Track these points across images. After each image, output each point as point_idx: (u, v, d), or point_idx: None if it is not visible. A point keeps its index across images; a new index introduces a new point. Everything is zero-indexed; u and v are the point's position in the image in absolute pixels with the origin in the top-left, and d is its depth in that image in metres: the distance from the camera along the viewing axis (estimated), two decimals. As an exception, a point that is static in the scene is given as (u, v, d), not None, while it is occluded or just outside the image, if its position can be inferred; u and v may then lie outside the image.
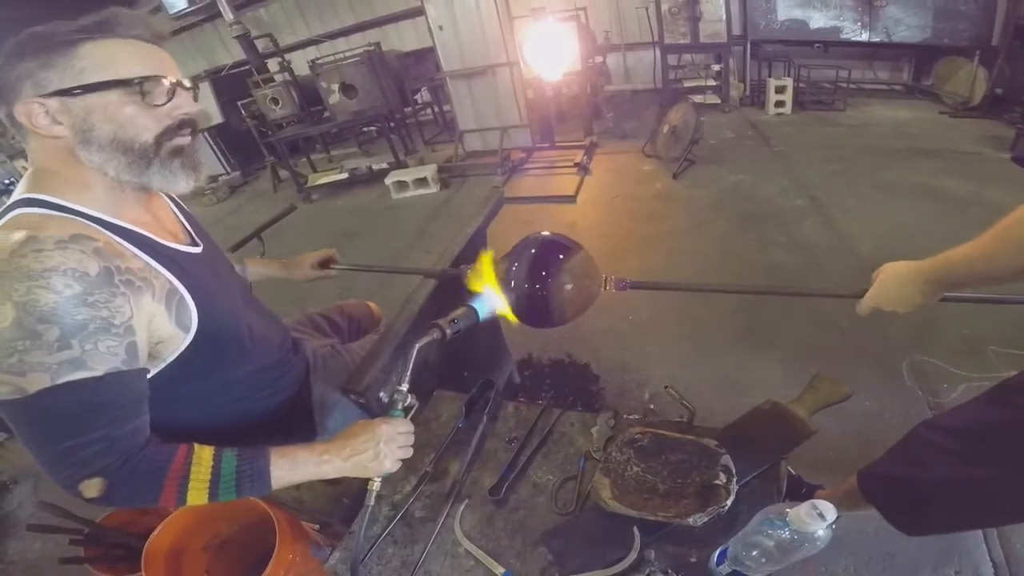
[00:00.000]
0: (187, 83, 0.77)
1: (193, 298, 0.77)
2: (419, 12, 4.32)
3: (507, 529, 0.89)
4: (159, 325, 0.74)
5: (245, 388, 0.95)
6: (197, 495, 0.70)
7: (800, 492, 1.41)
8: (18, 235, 0.62)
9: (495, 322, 1.74)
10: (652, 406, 1.90)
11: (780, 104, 4.67)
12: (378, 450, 0.78)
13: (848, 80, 4.63)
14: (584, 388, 2.11)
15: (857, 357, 1.94)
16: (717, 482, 0.82)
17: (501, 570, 0.82)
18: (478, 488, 0.96)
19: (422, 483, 0.99)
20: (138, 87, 0.70)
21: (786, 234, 2.85)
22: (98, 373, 0.63)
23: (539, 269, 0.95)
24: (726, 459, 0.85)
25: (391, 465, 0.80)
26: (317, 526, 1.22)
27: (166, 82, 0.72)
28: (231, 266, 1.09)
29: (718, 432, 0.94)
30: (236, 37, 5.91)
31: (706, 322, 2.32)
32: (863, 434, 1.65)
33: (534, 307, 0.95)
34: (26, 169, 0.75)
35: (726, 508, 0.78)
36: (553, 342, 2.39)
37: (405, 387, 0.81)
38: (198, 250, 0.88)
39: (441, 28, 4.27)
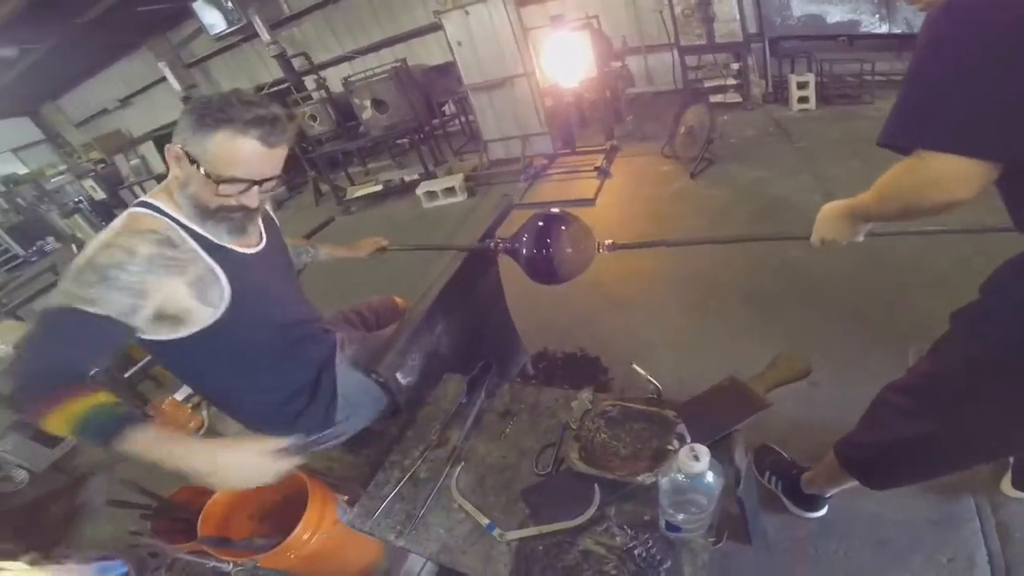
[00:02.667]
0: (264, 183, 1.00)
1: (231, 283, 1.03)
2: (440, 27, 4.54)
3: (495, 488, 1.04)
4: (180, 297, 0.97)
5: (276, 353, 1.16)
6: (63, 420, 0.80)
7: (791, 474, 1.47)
8: (122, 220, 0.96)
9: (504, 312, 1.93)
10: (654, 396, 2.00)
11: (803, 100, 4.60)
12: (223, 473, 0.82)
13: (873, 72, 4.50)
14: (594, 378, 2.23)
15: (866, 344, 1.96)
16: (670, 447, 0.94)
17: (486, 521, 0.95)
18: (474, 453, 1.12)
19: (428, 450, 1.15)
20: (216, 182, 0.94)
21: (802, 230, 2.85)
22: (100, 312, 0.86)
23: (544, 235, 1.35)
24: (681, 428, 0.97)
25: (222, 486, 0.85)
26: (345, 497, 1.41)
27: (242, 185, 0.96)
28: (287, 260, 1.32)
29: (680, 405, 1.06)
30: (274, 56, 6.31)
31: (710, 318, 2.40)
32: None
33: (542, 265, 1.34)
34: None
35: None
36: (568, 337, 2.52)
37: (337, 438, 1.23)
38: (255, 249, 1.13)
39: (460, 44, 4.49)
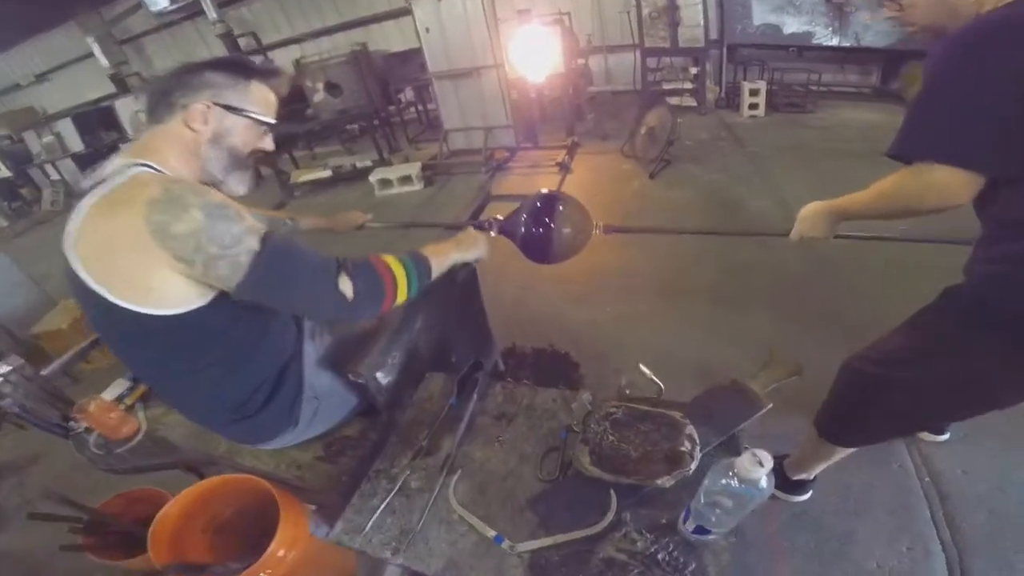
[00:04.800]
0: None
1: None
2: (403, 12, 4.40)
3: (497, 497, 0.97)
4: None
5: (239, 342, 1.01)
6: (402, 287, 1.02)
7: (774, 461, 1.53)
8: (160, 179, 0.86)
9: (481, 309, 1.87)
10: (628, 391, 2.00)
11: (754, 107, 4.84)
12: (477, 241, 1.29)
13: (819, 83, 4.81)
14: (565, 374, 2.21)
15: (817, 343, 2.07)
16: (683, 449, 0.92)
17: (492, 533, 0.89)
18: (470, 460, 1.05)
19: (417, 457, 1.07)
20: (266, 128, 1.02)
21: (768, 229, 2.98)
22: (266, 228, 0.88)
23: (544, 214, 1.36)
24: (690, 429, 0.96)
25: (483, 249, 1.31)
26: (314, 507, 1.29)
27: (272, 127, 1.03)
28: None
29: (684, 406, 1.05)
30: (219, 36, 5.85)
31: (680, 316, 2.46)
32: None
33: (542, 244, 1.36)
34: None
35: (691, 472, 0.88)
36: (536, 332, 2.49)
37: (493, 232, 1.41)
38: None
39: (428, 30, 4.34)
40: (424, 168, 4.84)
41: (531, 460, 1.03)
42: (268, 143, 1.05)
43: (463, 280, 1.68)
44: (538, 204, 1.42)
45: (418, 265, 1.07)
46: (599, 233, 1.51)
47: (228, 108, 0.95)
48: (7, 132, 7.88)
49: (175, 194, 0.81)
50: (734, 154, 4.17)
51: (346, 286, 0.91)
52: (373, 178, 4.75)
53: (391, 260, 1.01)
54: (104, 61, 7.37)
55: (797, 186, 3.43)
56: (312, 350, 1.15)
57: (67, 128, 6.95)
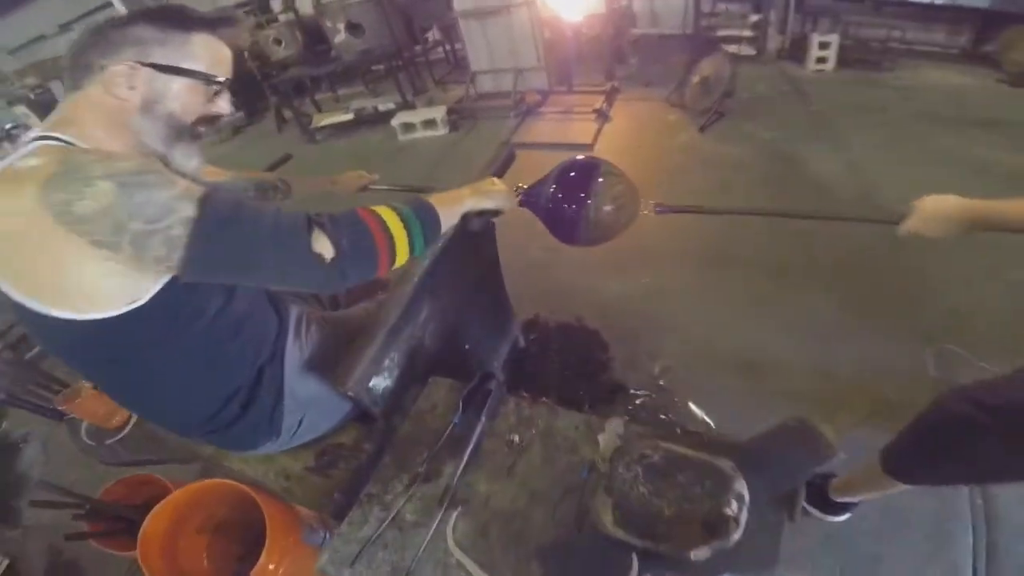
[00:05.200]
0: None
1: None
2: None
3: (502, 540, 0.84)
4: None
5: (207, 344, 0.85)
6: (401, 243, 0.82)
7: (815, 481, 1.35)
8: (61, 151, 0.68)
9: (498, 281, 1.67)
10: (662, 381, 1.82)
11: (821, 60, 4.27)
12: (497, 188, 1.06)
13: (901, 40, 4.18)
14: (592, 356, 2.03)
15: (883, 340, 1.81)
16: (728, 511, 0.74)
17: (493, 586, 0.77)
18: (473, 493, 0.91)
19: (414, 483, 0.93)
20: (214, 86, 0.81)
21: (819, 202, 2.63)
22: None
23: (579, 188, 1.10)
24: (740, 485, 0.77)
25: (504, 198, 1.07)
26: (314, 513, 1.19)
27: (225, 86, 0.83)
28: None
29: (736, 447, 0.86)
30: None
31: (726, 292, 2.20)
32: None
33: (574, 222, 1.10)
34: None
35: (731, 543, 0.72)
36: (562, 303, 2.30)
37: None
38: None
39: (454, -36, 3.89)
40: (449, 112, 4.56)
41: (544, 501, 0.88)
42: (221, 105, 0.85)
43: (481, 251, 1.47)
44: (572, 174, 1.14)
45: (421, 215, 0.87)
46: (649, 213, 1.22)
47: (159, 68, 0.76)
48: (37, 81, 7.87)
49: (73, 165, 0.64)
50: (797, 110, 3.69)
51: (322, 244, 0.72)
52: (395, 122, 4.50)
53: (384, 210, 0.83)
54: (122, 8, 7.05)
55: (871, 150, 2.98)
56: (296, 351, 0.99)
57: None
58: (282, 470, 1.11)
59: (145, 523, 1.12)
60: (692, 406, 0.97)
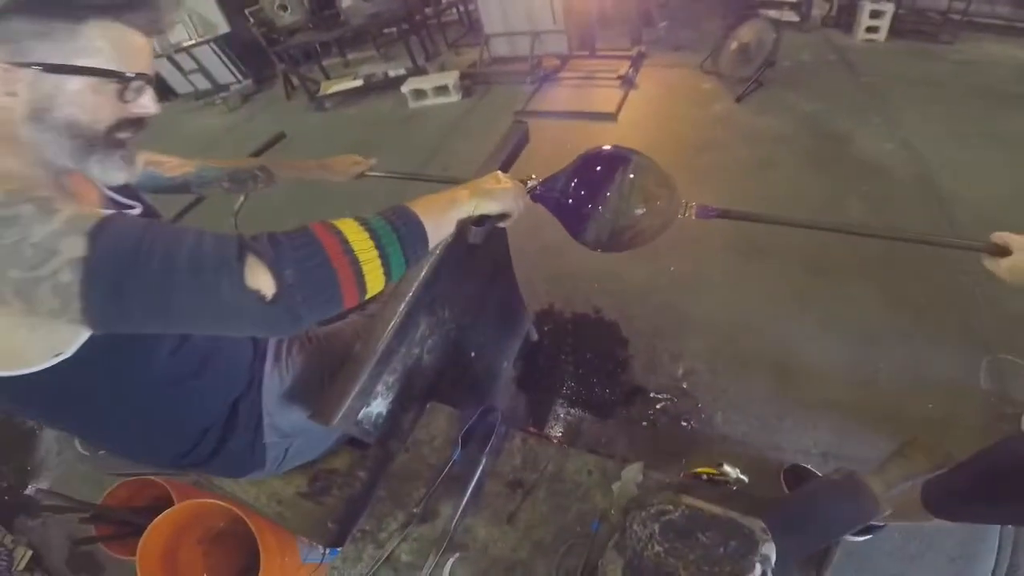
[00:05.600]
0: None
1: None
2: None
3: (501, 595, 0.76)
4: None
5: (170, 380, 0.76)
6: (372, 267, 0.63)
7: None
8: None
9: (510, 282, 1.54)
10: (685, 384, 1.71)
11: (872, 30, 3.86)
12: (503, 188, 0.86)
13: (963, 12, 3.73)
14: (610, 353, 1.92)
15: (931, 345, 1.67)
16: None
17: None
18: (472, 538, 0.83)
19: (410, 523, 0.86)
20: (125, 83, 0.63)
21: (870, 184, 2.40)
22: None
23: (605, 182, 0.91)
24: (768, 548, 0.68)
25: (512, 200, 0.87)
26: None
27: (144, 81, 0.66)
28: None
29: (772, 504, 0.75)
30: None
31: (760, 285, 2.03)
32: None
33: (597, 225, 0.92)
34: None
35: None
36: (580, 292, 2.18)
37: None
38: (136, 212, 0.79)
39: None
40: (462, 77, 4.34)
41: (548, 552, 0.79)
42: (144, 105, 0.68)
43: (489, 250, 1.34)
44: (597, 167, 0.94)
45: (400, 228, 0.67)
46: (690, 216, 0.99)
47: (45, 67, 0.60)
48: None
49: None
50: (844, 82, 3.37)
51: (260, 277, 0.54)
52: (405, 88, 4.31)
53: (347, 225, 0.63)
54: None
55: (926, 128, 2.70)
56: (275, 379, 0.90)
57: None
58: (274, 493, 1.05)
59: (144, 537, 1.09)
60: (726, 467, 0.85)
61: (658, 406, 1.67)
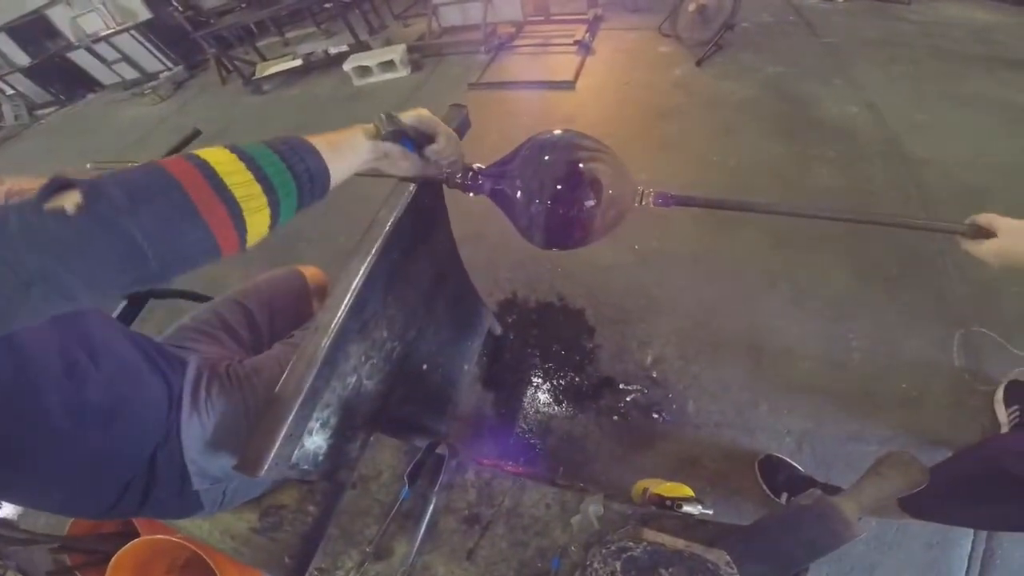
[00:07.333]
0: None
1: None
2: None
3: (460, 641, 0.71)
4: None
5: (58, 440, 0.65)
6: (250, 196, 0.50)
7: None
8: None
9: (461, 278, 1.44)
10: (655, 373, 1.67)
11: None
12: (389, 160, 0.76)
13: None
14: (576, 343, 1.87)
15: (904, 319, 1.65)
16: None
17: None
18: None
19: (365, 562, 0.79)
20: None
21: (836, 149, 2.35)
22: None
23: (550, 173, 0.83)
24: (731, 582, 0.63)
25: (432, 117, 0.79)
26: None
27: None
28: None
29: (739, 532, 0.70)
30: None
31: (729, 260, 1.99)
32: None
33: (542, 220, 0.85)
34: None
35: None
36: (542, 277, 2.10)
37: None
38: None
39: None
40: (410, 50, 4.10)
41: (508, 593, 0.74)
42: None
43: (434, 242, 1.22)
44: (545, 157, 0.85)
45: (286, 153, 0.56)
46: (647, 204, 0.91)
47: None
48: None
49: None
50: (805, 43, 3.29)
51: (63, 199, 0.42)
52: (347, 66, 4.05)
53: (211, 153, 0.51)
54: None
55: (892, 89, 2.66)
56: (195, 426, 0.80)
57: (5, 43, 5.93)
58: (226, 529, 0.98)
59: (116, 557, 1.08)
60: (687, 508, 0.79)
61: (628, 398, 1.63)
